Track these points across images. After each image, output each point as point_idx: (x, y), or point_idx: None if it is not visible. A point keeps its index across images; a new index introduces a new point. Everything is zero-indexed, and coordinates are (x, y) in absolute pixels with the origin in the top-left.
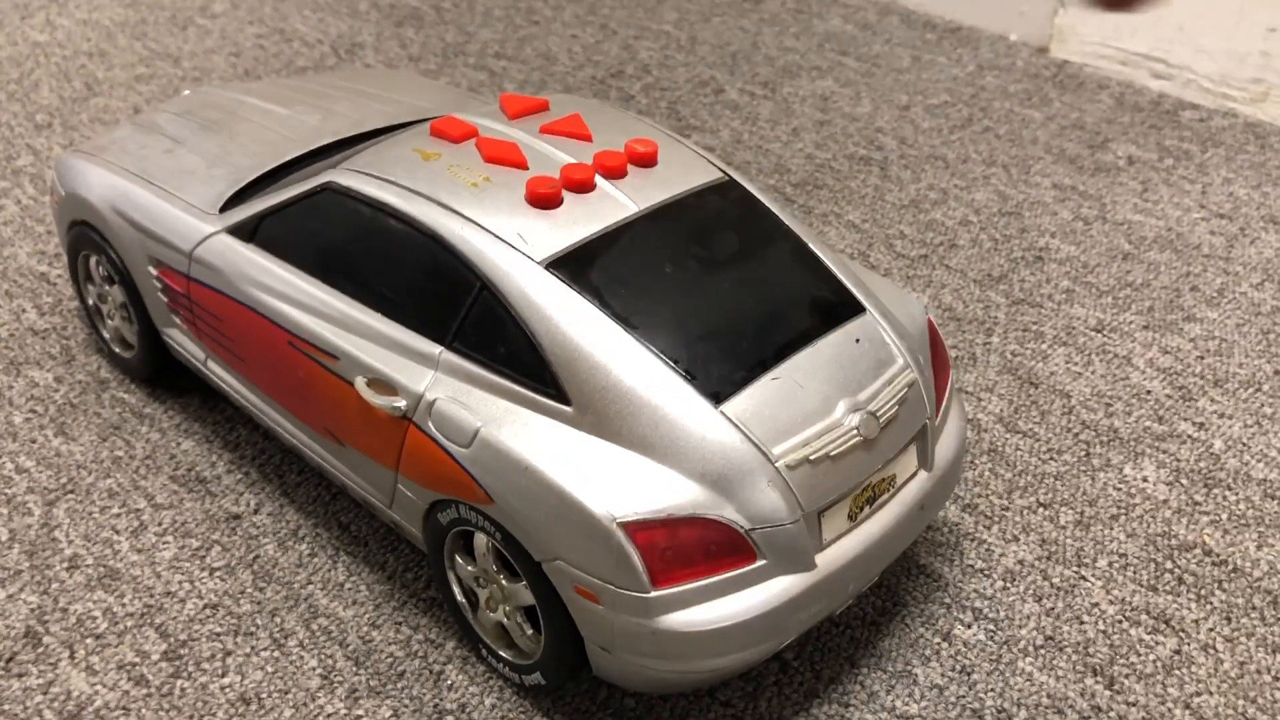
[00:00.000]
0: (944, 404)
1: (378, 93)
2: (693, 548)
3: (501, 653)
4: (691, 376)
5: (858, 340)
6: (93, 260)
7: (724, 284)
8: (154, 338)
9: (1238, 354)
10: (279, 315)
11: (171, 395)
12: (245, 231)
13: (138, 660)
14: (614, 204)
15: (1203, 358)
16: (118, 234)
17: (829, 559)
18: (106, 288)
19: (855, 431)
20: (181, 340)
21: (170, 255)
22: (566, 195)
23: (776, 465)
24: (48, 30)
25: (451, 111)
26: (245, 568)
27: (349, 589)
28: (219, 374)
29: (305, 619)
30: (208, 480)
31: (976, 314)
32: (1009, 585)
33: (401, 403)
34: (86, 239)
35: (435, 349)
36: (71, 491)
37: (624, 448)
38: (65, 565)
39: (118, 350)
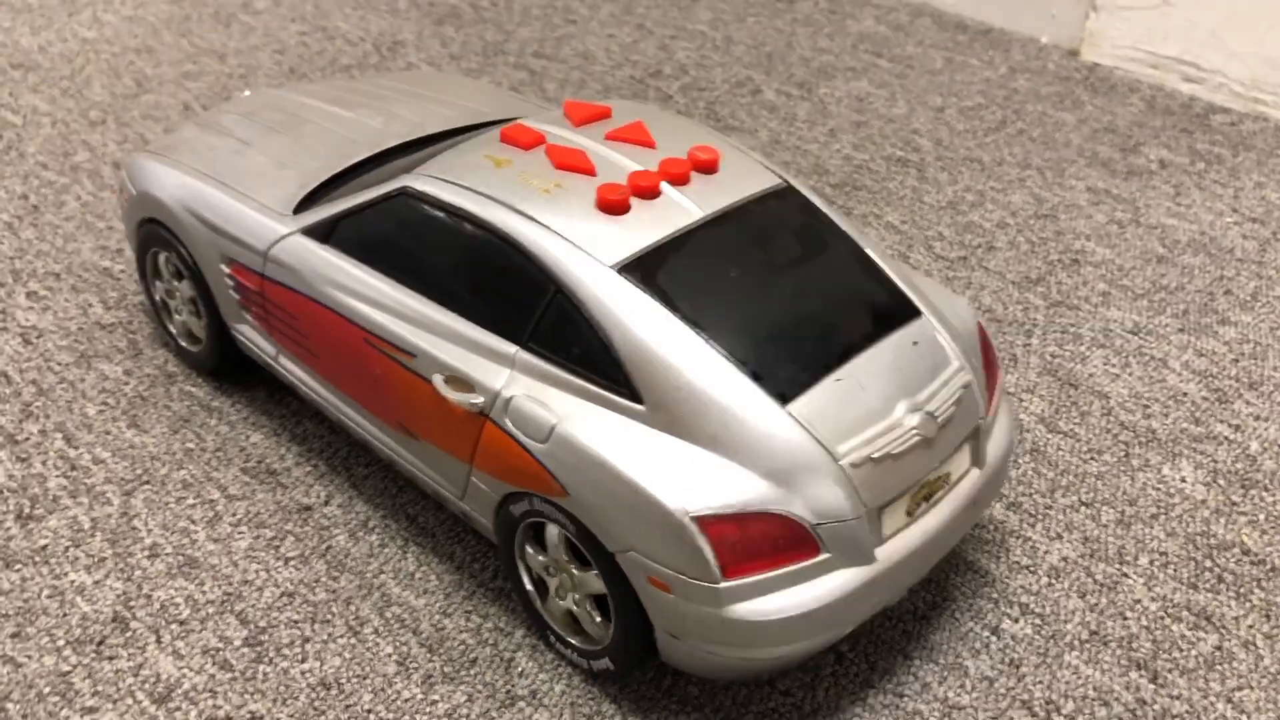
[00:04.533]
0: (994, 404)
1: (433, 95)
2: (761, 541)
3: (570, 640)
4: (759, 377)
5: (915, 343)
6: (162, 257)
7: (787, 288)
8: (222, 332)
9: (1272, 357)
10: (356, 314)
11: (238, 389)
12: (321, 233)
13: (220, 645)
14: (680, 210)
15: (1237, 360)
16: (189, 232)
17: (888, 553)
18: (175, 283)
19: (915, 431)
20: (251, 335)
21: (244, 254)
22: (634, 201)
23: (841, 463)
24: (95, 26)
25: (503, 114)
26: (319, 557)
27: (419, 578)
28: (290, 369)
29: (379, 607)
30: (278, 472)
31: (1016, 315)
32: (1054, 581)
33: (479, 399)
34: (156, 236)
35: (511, 348)
36: (147, 482)
37: (695, 445)
38: (146, 553)
39: (184, 344)
